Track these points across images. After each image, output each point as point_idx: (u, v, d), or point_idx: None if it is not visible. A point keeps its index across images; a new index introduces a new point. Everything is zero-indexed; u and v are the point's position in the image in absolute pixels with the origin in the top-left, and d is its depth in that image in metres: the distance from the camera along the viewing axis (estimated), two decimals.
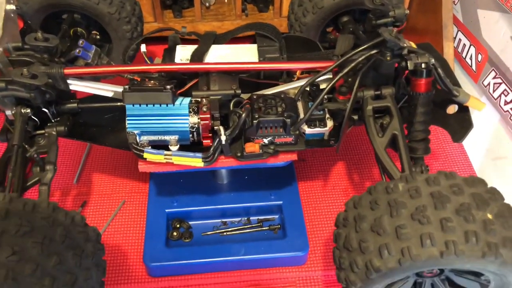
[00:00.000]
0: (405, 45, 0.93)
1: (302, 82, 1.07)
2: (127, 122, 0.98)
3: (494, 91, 1.47)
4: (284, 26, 1.80)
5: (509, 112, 1.40)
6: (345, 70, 0.98)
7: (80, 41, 1.05)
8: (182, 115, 0.98)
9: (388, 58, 0.95)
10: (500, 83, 1.43)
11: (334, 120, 1.05)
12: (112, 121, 1.11)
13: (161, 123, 0.98)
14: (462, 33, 1.60)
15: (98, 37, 1.36)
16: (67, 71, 1.01)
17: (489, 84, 1.49)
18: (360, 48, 0.99)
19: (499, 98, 1.44)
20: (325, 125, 1.03)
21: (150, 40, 1.40)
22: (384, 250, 0.78)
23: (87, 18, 1.34)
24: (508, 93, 1.40)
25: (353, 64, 0.98)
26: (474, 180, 0.83)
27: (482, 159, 1.51)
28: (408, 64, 0.93)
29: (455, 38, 1.64)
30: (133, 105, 0.97)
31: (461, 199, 0.78)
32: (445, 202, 0.78)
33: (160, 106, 0.98)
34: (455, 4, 1.63)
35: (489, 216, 0.77)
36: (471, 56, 1.57)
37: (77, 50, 1.04)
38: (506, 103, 1.41)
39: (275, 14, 1.83)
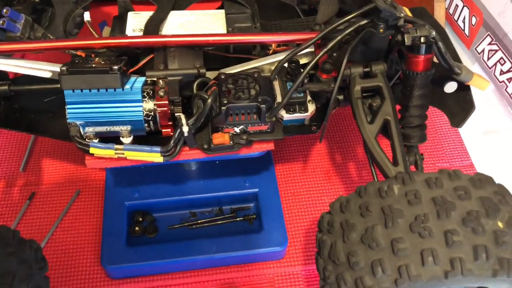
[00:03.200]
0: (402, 14, 0.78)
1: (278, 57, 0.90)
2: (67, 111, 0.81)
3: (488, 58, 1.33)
4: None
5: (505, 83, 1.28)
6: (330, 44, 0.82)
7: (4, 10, 0.84)
8: (134, 101, 0.82)
9: (381, 30, 0.80)
10: (496, 50, 1.30)
11: (316, 102, 0.90)
12: (53, 105, 0.93)
13: (109, 111, 0.82)
14: None
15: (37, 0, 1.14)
16: None
17: (483, 50, 1.35)
18: (348, 17, 0.83)
19: (494, 66, 1.32)
20: (306, 110, 0.88)
21: (101, 0, 1.21)
22: (378, 268, 0.65)
23: None
24: (505, 61, 1.27)
25: (339, 37, 0.82)
26: (481, 179, 0.71)
27: (472, 132, 1.40)
28: (405, 39, 0.77)
29: None
30: (74, 91, 0.80)
31: (468, 206, 0.66)
32: (449, 210, 0.65)
33: (107, 91, 0.80)
34: None
35: (500, 224, 0.66)
36: (464, 18, 1.42)
37: (1, 21, 0.84)
38: (502, 72, 1.29)
39: None
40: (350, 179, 1.23)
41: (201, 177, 1.15)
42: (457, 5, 1.44)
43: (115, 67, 0.78)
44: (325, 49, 0.81)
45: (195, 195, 1.12)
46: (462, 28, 1.43)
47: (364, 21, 0.81)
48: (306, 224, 1.14)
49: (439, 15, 1.46)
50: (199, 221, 1.11)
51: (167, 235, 1.09)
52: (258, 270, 1.07)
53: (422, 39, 0.79)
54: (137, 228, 1.08)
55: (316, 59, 0.81)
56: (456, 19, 1.46)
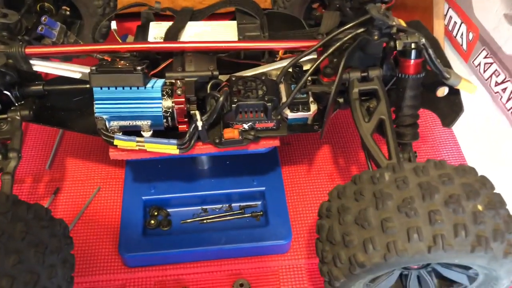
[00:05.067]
0: (393, 23, 0.87)
1: (284, 63, 1.00)
2: (95, 106, 0.91)
3: (485, 71, 1.41)
4: (269, 1, 1.71)
5: (500, 93, 1.36)
6: (330, 50, 0.91)
7: (43, 18, 0.96)
8: (154, 98, 0.91)
9: (376, 37, 0.89)
10: (491, 63, 1.38)
11: (318, 104, 0.99)
12: (81, 104, 1.04)
13: (132, 107, 0.91)
14: (453, 11, 1.54)
15: (68, 13, 1.27)
16: (28, 50, 0.93)
17: (479, 63, 1.43)
18: (346, 27, 0.93)
19: (489, 78, 1.39)
20: (308, 109, 0.97)
21: (125, 16, 1.32)
22: (369, 245, 0.73)
23: None
24: (499, 73, 1.35)
25: (338, 44, 0.91)
26: (465, 168, 0.78)
27: (471, 141, 1.47)
28: (397, 44, 0.87)
29: (445, 15, 1.58)
30: (101, 88, 0.90)
31: (450, 190, 0.74)
32: (433, 193, 0.73)
33: (131, 89, 0.91)
34: None
35: (479, 207, 0.73)
36: (462, 34, 1.51)
37: (39, 28, 0.95)
38: (497, 84, 1.37)
39: None
40: None
41: (212, 175, 1.23)
42: (455, 22, 1.53)
43: (139, 68, 0.89)
44: (326, 54, 0.91)
45: (207, 191, 1.20)
46: (460, 43, 1.52)
47: (361, 30, 0.91)
48: (309, 222, 1.22)
49: (439, 32, 1.56)
50: (210, 217, 1.19)
51: (180, 229, 1.17)
52: (264, 262, 1.14)
53: (413, 45, 0.88)
54: (152, 222, 1.17)
55: (318, 62, 0.91)
56: (454, 35, 1.55)
